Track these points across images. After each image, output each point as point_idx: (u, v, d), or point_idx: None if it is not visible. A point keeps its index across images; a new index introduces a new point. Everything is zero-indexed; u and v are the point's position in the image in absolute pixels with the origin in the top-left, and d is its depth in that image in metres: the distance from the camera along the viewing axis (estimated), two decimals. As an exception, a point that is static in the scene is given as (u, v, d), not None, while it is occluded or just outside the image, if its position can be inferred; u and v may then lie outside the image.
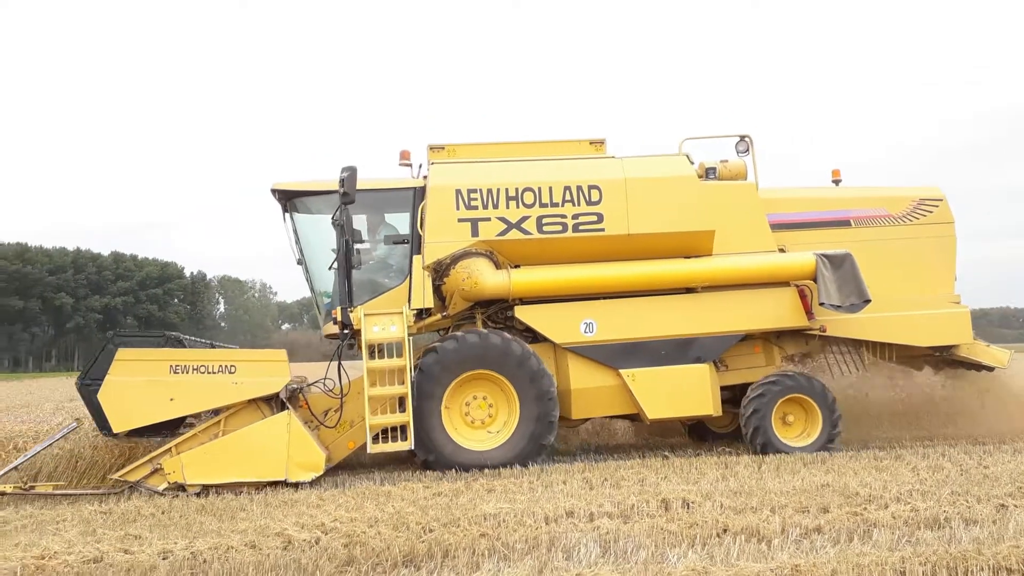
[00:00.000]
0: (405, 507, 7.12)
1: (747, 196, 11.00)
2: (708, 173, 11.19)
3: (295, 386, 9.88)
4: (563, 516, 6.50)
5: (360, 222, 10.68)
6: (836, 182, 12.03)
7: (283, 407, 9.12)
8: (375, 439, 9.33)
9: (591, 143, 11.03)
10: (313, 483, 8.86)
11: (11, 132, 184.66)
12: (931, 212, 11.38)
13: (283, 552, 5.74)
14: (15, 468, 9.02)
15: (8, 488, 8.65)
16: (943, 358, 11.37)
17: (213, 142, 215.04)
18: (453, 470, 9.39)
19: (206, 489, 8.66)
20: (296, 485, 8.77)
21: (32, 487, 8.75)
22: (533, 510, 6.67)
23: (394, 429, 9.39)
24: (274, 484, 8.78)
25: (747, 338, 10.78)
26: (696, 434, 11.99)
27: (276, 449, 8.82)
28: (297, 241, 10.83)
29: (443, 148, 10.76)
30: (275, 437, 8.86)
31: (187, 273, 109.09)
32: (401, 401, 9.47)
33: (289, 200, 10.72)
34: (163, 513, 7.46)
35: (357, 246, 10.27)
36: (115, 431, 8.75)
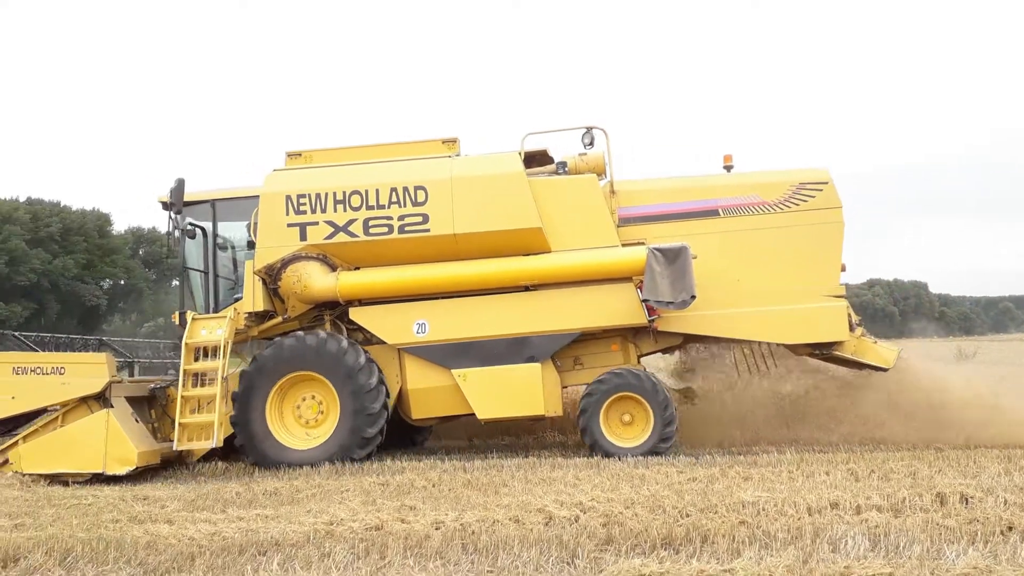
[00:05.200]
0: (660, 490, 7.16)
1: (586, 190, 10.31)
2: (559, 168, 10.64)
3: (156, 386, 10.56)
4: (827, 507, 6.27)
5: (235, 229, 11.37)
6: (728, 168, 10.80)
7: (109, 405, 9.68)
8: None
9: (443, 142, 10.79)
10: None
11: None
12: (813, 197, 10.24)
13: (545, 528, 5.98)
14: None
15: None
16: (828, 357, 10.45)
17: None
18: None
19: (43, 478, 9.36)
20: (113, 478, 9.35)
21: None
22: (794, 500, 6.48)
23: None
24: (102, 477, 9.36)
25: (592, 336, 10.39)
26: None
27: (95, 444, 9.43)
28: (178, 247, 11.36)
29: (300, 155, 10.91)
30: (94, 433, 9.47)
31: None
32: (233, 401, 9.93)
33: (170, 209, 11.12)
34: (434, 487, 7.99)
35: (225, 254, 11.22)
36: None
